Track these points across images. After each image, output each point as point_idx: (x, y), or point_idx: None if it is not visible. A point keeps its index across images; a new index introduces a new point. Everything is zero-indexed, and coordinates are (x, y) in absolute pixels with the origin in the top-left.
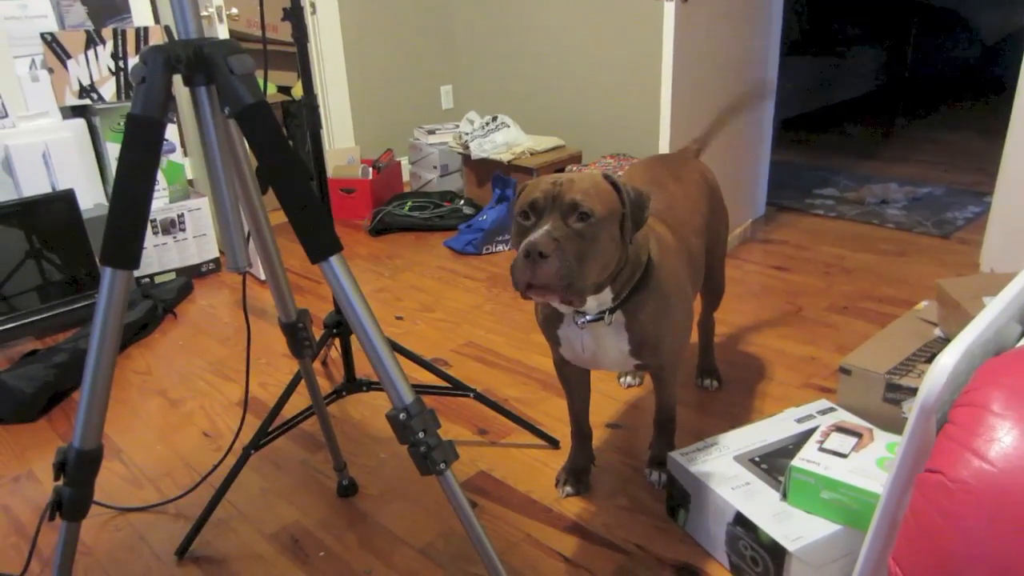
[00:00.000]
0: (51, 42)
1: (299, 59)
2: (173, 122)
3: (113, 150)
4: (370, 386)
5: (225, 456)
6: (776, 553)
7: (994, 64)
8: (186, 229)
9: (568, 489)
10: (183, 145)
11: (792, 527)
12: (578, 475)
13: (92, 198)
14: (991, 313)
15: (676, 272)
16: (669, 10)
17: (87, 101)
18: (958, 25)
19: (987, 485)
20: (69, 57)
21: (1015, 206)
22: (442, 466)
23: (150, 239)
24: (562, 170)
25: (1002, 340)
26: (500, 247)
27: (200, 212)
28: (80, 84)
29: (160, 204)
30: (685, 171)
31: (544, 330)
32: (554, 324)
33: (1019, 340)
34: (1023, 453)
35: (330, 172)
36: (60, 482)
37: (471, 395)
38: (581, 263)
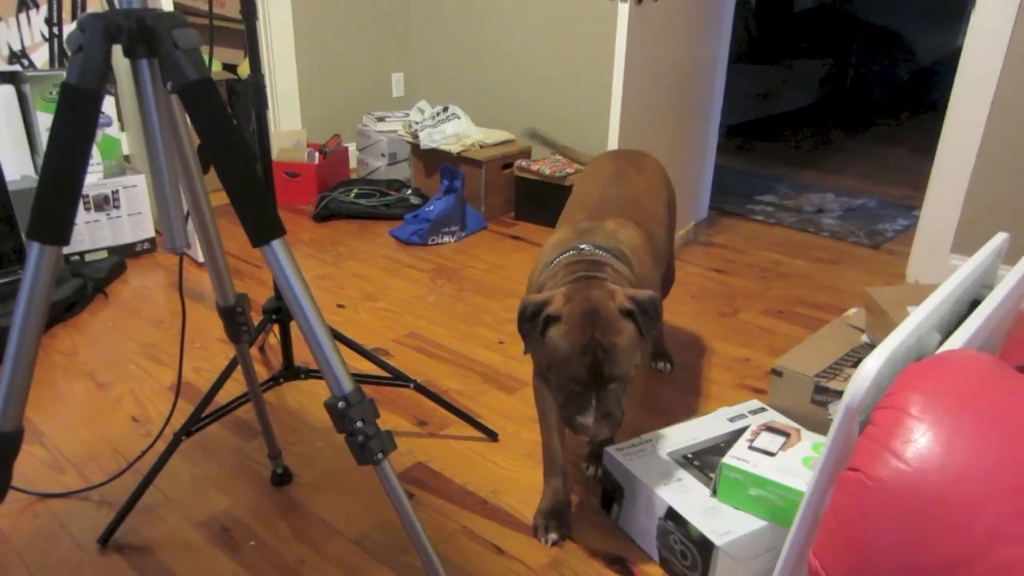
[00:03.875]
0: None
1: (247, 35)
2: (111, 93)
3: (44, 120)
4: (308, 373)
5: (155, 442)
6: (704, 547)
7: (928, 84)
8: (120, 206)
9: (553, 536)
10: (120, 119)
11: (720, 522)
12: (559, 516)
13: (19, 170)
14: (913, 322)
15: (652, 279)
16: (623, 11)
17: (17, 67)
18: (897, 45)
19: (903, 484)
20: None
21: (941, 221)
22: (379, 456)
23: (82, 215)
24: (510, 166)
25: (923, 348)
26: (446, 238)
27: (136, 189)
28: (10, 49)
29: (93, 179)
30: (645, 163)
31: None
32: None
33: (938, 348)
34: (937, 454)
35: (275, 155)
36: None
37: (411, 386)
38: (621, 408)
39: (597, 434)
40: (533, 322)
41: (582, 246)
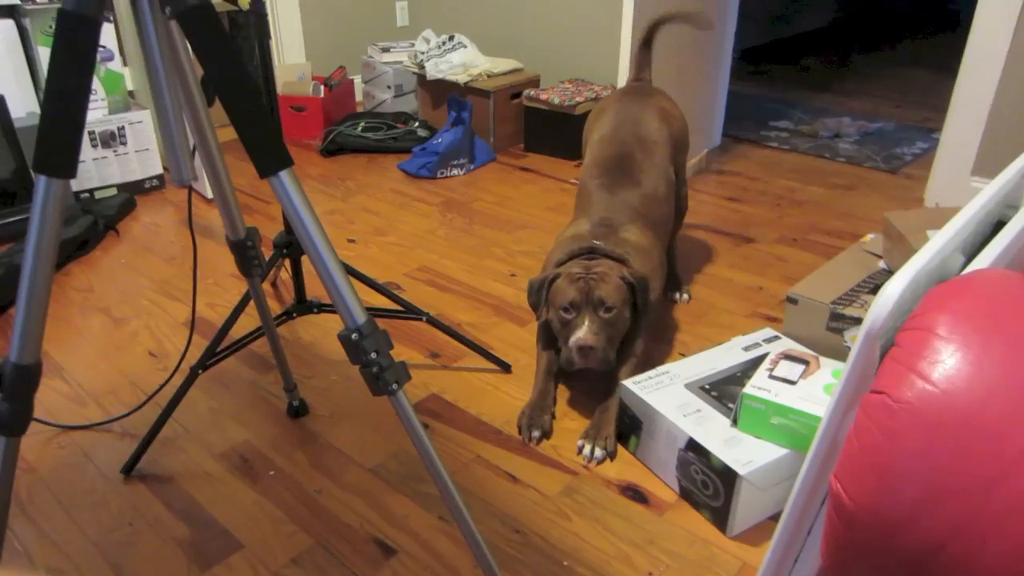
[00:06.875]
0: None
1: None
2: (110, 20)
3: (46, 55)
4: (321, 308)
5: (172, 375)
6: (727, 477)
7: (951, 1)
8: (127, 143)
9: (535, 433)
10: (122, 53)
11: (742, 452)
12: (542, 412)
13: (24, 106)
14: (937, 243)
15: (657, 279)
16: None
17: (16, 1)
18: None
19: (929, 406)
20: None
21: (962, 143)
22: (394, 386)
23: (89, 152)
24: (519, 95)
25: (946, 270)
26: (455, 171)
27: (142, 125)
28: None
29: (99, 115)
30: (645, 117)
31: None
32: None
33: (962, 270)
34: (965, 375)
35: (280, 88)
36: None
37: (423, 319)
38: (611, 344)
39: (592, 350)
40: (540, 293)
41: (595, 243)
